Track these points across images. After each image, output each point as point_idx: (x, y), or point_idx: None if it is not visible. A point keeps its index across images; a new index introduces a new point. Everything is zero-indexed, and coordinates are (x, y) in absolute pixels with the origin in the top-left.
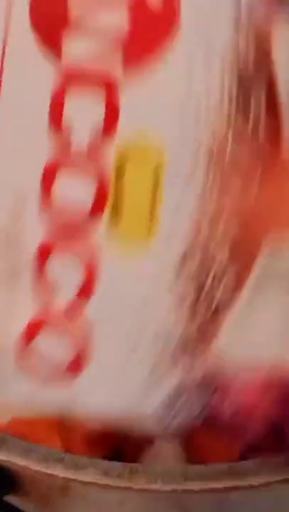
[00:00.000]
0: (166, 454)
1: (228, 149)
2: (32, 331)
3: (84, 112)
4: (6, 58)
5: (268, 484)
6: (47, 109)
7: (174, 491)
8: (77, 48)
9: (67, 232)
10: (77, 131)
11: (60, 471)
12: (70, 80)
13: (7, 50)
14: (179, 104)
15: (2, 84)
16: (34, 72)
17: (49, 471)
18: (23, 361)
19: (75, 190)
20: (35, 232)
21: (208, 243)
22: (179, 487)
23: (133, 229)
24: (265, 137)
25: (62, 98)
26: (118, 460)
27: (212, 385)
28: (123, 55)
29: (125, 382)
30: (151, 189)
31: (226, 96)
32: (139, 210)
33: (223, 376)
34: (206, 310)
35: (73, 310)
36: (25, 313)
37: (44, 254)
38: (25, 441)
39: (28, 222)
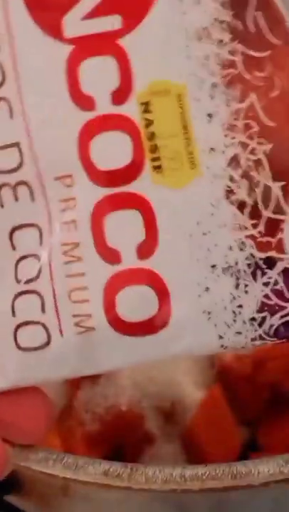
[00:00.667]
0: (166, 453)
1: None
2: (112, 294)
3: (99, 77)
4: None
5: (267, 484)
6: (65, 83)
7: (173, 490)
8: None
9: (115, 189)
10: (98, 96)
11: (60, 471)
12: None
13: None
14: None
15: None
16: (44, 53)
17: (49, 471)
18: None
19: (112, 153)
20: (86, 197)
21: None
22: (179, 487)
23: (176, 172)
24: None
25: (76, 71)
26: (118, 460)
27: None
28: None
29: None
30: (181, 125)
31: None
32: (177, 150)
33: None
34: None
35: (143, 261)
36: (99, 278)
37: (100, 213)
38: None
39: (79, 192)
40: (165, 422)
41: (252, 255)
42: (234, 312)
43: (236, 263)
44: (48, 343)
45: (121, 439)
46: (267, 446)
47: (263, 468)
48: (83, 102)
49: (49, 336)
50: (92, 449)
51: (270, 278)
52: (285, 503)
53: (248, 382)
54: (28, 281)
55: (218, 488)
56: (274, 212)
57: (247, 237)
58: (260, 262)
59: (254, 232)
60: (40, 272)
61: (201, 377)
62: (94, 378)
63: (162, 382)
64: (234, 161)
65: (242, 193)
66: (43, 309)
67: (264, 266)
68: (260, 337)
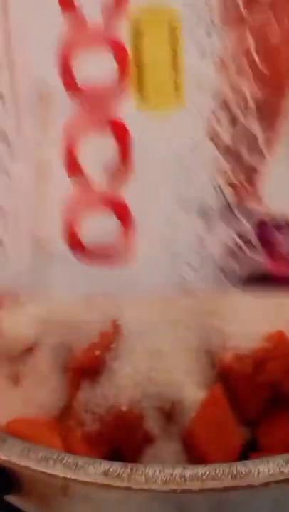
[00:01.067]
0: (166, 454)
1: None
2: (75, 218)
3: None
4: None
5: (267, 484)
6: None
7: (173, 491)
8: None
9: (94, 110)
10: (89, 8)
11: (60, 471)
12: None
13: None
14: None
15: None
16: None
17: (49, 471)
18: (75, 245)
19: (95, 68)
20: (63, 114)
21: (237, 101)
22: (179, 487)
23: (160, 99)
24: None
25: None
26: (118, 460)
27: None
28: None
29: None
30: (170, 55)
31: None
32: (163, 79)
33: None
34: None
35: (113, 187)
36: (63, 199)
37: (75, 133)
38: (25, 441)
39: (55, 106)
40: (165, 422)
41: (227, 200)
42: (200, 254)
43: (210, 206)
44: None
45: (121, 439)
46: (267, 446)
47: (263, 469)
48: (72, 12)
49: (4, 251)
50: (92, 449)
51: (242, 226)
52: (285, 503)
53: (248, 382)
54: None
55: (218, 488)
56: (255, 160)
57: (224, 181)
58: (235, 209)
59: (232, 177)
60: (6, 186)
61: (202, 378)
62: (94, 378)
63: (162, 382)
64: (222, 101)
65: (225, 136)
66: (5, 225)
67: (238, 213)
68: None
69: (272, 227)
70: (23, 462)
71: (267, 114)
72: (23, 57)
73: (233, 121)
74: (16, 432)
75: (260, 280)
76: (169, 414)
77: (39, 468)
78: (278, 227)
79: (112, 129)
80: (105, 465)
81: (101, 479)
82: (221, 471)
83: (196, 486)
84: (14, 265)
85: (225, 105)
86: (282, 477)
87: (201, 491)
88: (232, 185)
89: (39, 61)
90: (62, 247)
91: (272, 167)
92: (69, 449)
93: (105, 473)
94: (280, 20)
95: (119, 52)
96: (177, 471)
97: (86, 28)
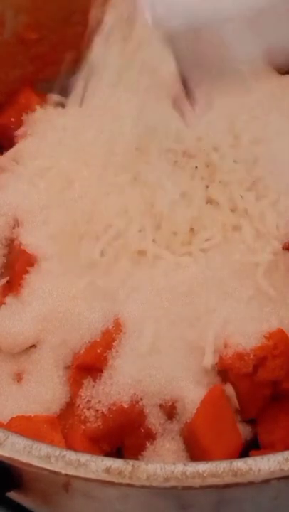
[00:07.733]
0: (167, 451)
1: None
2: None
3: None
4: None
5: (268, 481)
6: None
7: (174, 487)
8: None
9: None
10: None
11: (62, 468)
12: None
13: None
14: None
15: None
16: None
17: (51, 468)
18: None
19: None
20: None
21: None
22: (180, 484)
23: None
24: None
25: None
26: (120, 457)
27: None
28: None
29: None
30: None
31: None
32: None
33: None
34: None
35: None
36: None
37: None
38: (27, 439)
39: None
40: (166, 419)
41: None
42: None
43: None
44: None
45: (122, 437)
46: (267, 443)
47: (264, 466)
48: None
49: None
50: (94, 446)
51: None
52: (286, 500)
53: (248, 380)
54: None
55: (218, 485)
56: None
57: None
58: None
59: None
60: None
61: (202, 376)
62: (95, 376)
63: (163, 380)
64: None
65: None
66: None
67: None
68: None
69: None
70: (25, 459)
71: None
72: None
73: None
74: (19, 429)
75: None
76: (170, 411)
77: (41, 465)
78: None
79: None
80: (107, 462)
81: (103, 476)
82: (222, 468)
83: (196, 482)
84: None
85: None
86: (282, 474)
87: (202, 487)
88: None
89: None
90: None
91: None
92: (71, 446)
93: (107, 471)
94: None
95: None
96: (178, 468)
97: None
